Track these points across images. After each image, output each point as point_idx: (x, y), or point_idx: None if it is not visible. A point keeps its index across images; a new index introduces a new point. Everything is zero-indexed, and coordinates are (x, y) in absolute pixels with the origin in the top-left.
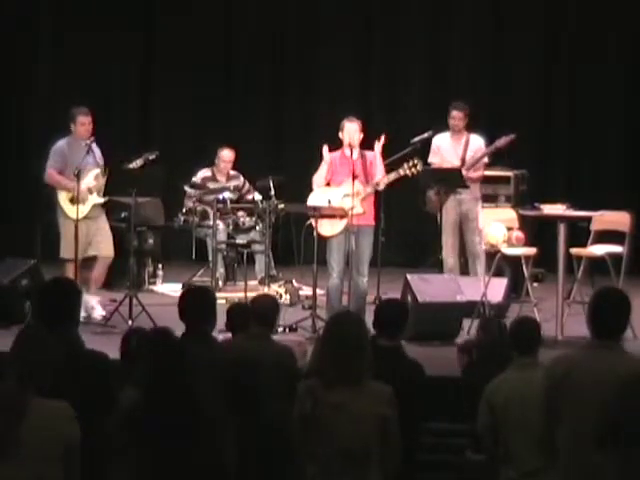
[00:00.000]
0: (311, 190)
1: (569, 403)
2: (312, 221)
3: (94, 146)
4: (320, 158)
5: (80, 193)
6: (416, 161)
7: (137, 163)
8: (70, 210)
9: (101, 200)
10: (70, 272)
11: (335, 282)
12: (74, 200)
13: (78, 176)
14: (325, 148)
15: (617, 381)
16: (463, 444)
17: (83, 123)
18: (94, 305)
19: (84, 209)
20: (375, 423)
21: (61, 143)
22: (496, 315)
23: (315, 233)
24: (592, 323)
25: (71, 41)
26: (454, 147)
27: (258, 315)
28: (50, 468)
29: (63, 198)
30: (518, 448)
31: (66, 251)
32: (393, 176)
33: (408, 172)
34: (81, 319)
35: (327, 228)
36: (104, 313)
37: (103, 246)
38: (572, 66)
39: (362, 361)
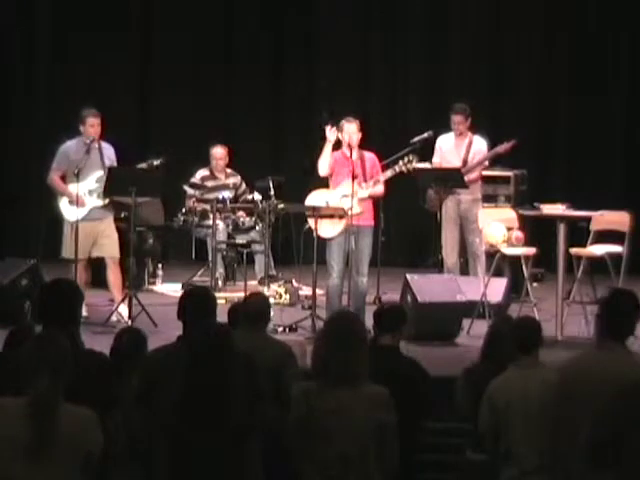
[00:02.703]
0: (310, 190)
1: (572, 405)
2: (311, 224)
3: (105, 148)
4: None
5: (78, 196)
6: (411, 157)
7: (142, 167)
8: (68, 212)
9: (100, 203)
10: (73, 272)
11: (335, 282)
12: (73, 202)
13: (78, 175)
14: (328, 128)
15: (618, 384)
16: (463, 444)
17: (92, 124)
18: (120, 311)
19: (83, 211)
20: (372, 427)
21: (68, 144)
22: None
23: (315, 234)
24: (602, 323)
25: (71, 41)
26: (457, 148)
27: (253, 314)
28: (70, 474)
29: (63, 200)
30: (519, 447)
31: (66, 251)
32: (389, 173)
33: (403, 168)
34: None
35: (328, 230)
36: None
37: (107, 247)
38: (572, 66)
39: (360, 360)
